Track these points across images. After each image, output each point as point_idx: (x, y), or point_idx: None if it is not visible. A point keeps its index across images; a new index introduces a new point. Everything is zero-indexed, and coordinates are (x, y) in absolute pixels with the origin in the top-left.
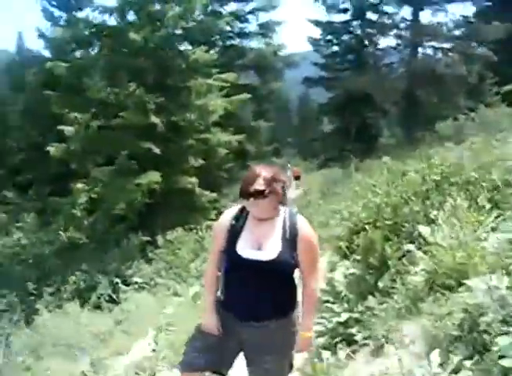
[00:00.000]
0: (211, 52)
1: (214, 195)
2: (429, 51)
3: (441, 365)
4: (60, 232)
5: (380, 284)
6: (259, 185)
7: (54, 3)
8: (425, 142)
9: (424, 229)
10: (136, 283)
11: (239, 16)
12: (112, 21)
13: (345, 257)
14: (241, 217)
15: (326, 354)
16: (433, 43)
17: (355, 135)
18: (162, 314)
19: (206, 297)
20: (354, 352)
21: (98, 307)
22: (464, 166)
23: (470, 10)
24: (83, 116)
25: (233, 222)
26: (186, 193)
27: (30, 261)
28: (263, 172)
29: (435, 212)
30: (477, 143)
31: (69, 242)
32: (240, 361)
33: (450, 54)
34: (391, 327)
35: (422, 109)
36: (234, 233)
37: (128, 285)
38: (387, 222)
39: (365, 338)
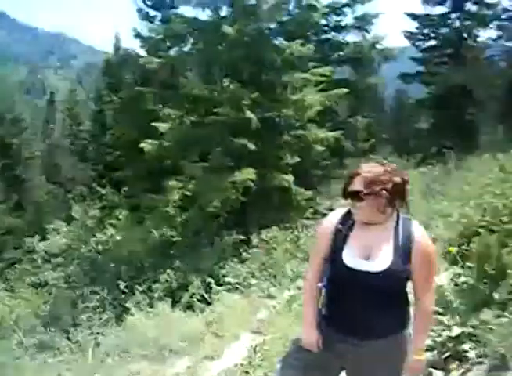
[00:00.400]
0: (307, 46)
1: (310, 193)
2: None
3: None
4: (153, 229)
5: (497, 296)
6: (355, 185)
7: (148, 3)
8: None
9: None
10: (229, 283)
11: (334, 9)
12: (205, 16)
13: (455, 263)
14: (348, 220)
15: (437, 374)
16: None
17: (454, 131)
18: (255, 318)
19: (306, 309)
20: (467, 370)
21: (189, 307)
22: None
23: None
24: (177, 112)
25: (339, 225)
26: (282, 191)
27: (122, 258)
28: (364, 171)
29: None
30: None
31: (162, 240)
32: None
33: None
34: (509, 345)
35: None
36: (340, 239)
37: (220, 285)
38: (506, 226)
39: (479, 356)
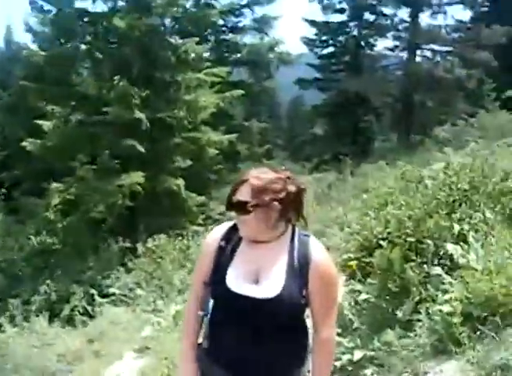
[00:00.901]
0: (203, 45)
1: (203, 198)
2: (427, 54)
3: None
4: (31, 236)
5: (400, 314)
6: (242, 195)
7: None
8: (423, 147)
9: (453, 249)
10: (114, 294)
11: (233, 10)
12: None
13: (354, 278)
14: (234, 236)
15: None
16: (432, 46)
17: (349, 138)
18: (139, 335)
19: (183, 341)
20: None
21: (70, 321)
22: (490, 173)
23: (468, 14)
24: (62, 110)
25: (222, 242)
26: (172, 196)
27: None
28: (252, 178)
29: (466, 228)
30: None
31: (41, 247)
32: None
33: (449, 58)
34: (415, 369)
35: (418, 113)
36: (223, 259)
37: (104, 297)
38: (409, 239)
39: None
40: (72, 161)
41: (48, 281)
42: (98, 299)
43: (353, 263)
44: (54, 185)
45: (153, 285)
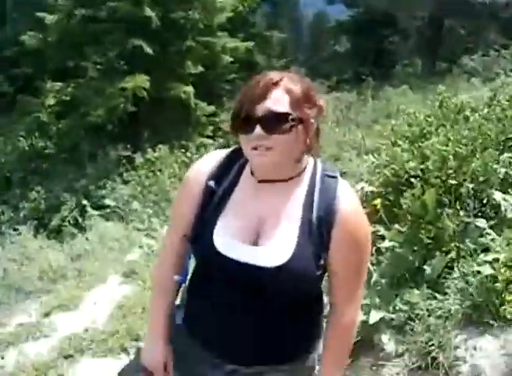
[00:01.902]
0: None
1: (213, 108)
2: None
3: None
4: (21, 138)
5: (429, 270)
6: (278, 102)
7: None
8: (449, 75)
9: (501, 198)
10: (108, 206)
11: None
12: None
13: (379, 222)
14: (229, 173)
15: None
16: None
17: (372, 59)
18: (127, 258)
19: (152, 309)
20: (381, 366)
21: (58, 232)
22: None
23: None
24: (66, 2)
25: (211, 182)
26: (180, 104)
27: None
28: (287, 80)
29: None
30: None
31: (32, 151)
32: None
33: None
34: (442, 341)
35: (447, 39)
36: (211, 207)
37: (97, 208)
38: (451, 181)
39: (399, 354)
40: (74, 59)
41: (38, 187)
42: (90, 211)
43: (377, 202)
44: (50, 83)
45: (149, 200)
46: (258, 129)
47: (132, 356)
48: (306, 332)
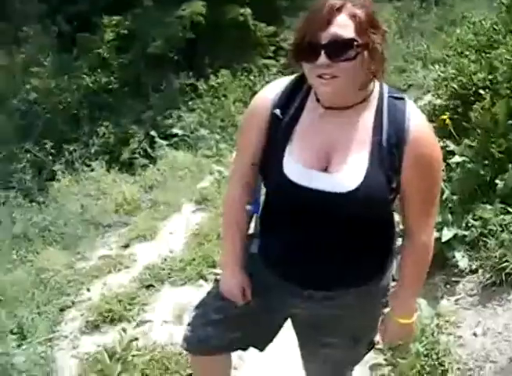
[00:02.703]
0: None
1: (273, 28)
2: None
3: None
4: (84, 75)
5: (501, 185)
6: (343, 28)
7: None
8: None
9: None
10: (176, 135)
11: None
12: None
13: (446, 135)
14: (294, 101)
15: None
16: None
17: None
18: (199, 185)
19: (226, 240)
20: (455, 282)
21: (130, 165)
22: None
23: None
24: None
25: (277, 110)
26: (238, 27)
27: (55, 110)
28: (350, 5)
29: None
30: None
31: (96, 87)
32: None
33: None
34: None
35: None
36: (279, 134)
37: (166, 138)
38: None
39: (473, 271)
40: None
41: (106, 123)
42: (159, 141)
43: (446, 116)
44: (108, 18)
45: (216, 126)
46: (323, 57)
47: (211, 285)
48: (380, 254)
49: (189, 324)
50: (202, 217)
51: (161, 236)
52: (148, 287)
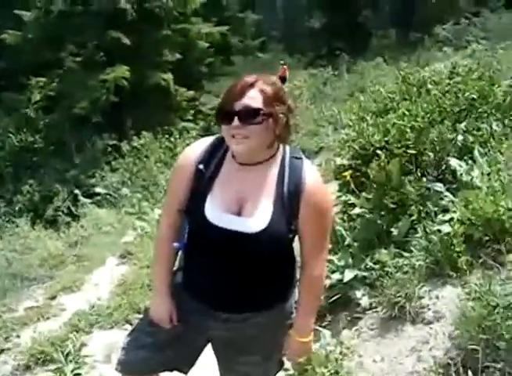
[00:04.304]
0: None
1: (192, 93)
2: None
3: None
4: (10, 134)
5: (395, 232)
6: (253, 99)
7: None
8: (422, 45)
9: (457, 164)
10: (99, 194)
11: None
12: None
13: (348, 190)
14: (215, 157)
15: (325, 333)
16: None
17: (347, 33)
18: (122, 240)
19: (156, 272)
20: (357, 319)
21: (53, 222)
22: (498, 81)
23: None
24: None
25: (201, 166)
26: (160, 91)
27: None
28: (260, 83)
29: (471, 140)
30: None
31: (22, 145)
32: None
33: None
34: (409, 293)
35: (420, 9)
36: (202, 184)
37: (89, 197)
38: (410, 151)
39: (372, 307)
40: (54, 54)
41: (31, 181)
42: (82, 199)
43: (347, 173)
44: (35, 79)
45: (138, 185)
46: (236, 121)
47: (143, 316)
48: (282, 283)
49: (122, 348)
50: (126, 269)
51: (87, 287)
52: (78, 331)
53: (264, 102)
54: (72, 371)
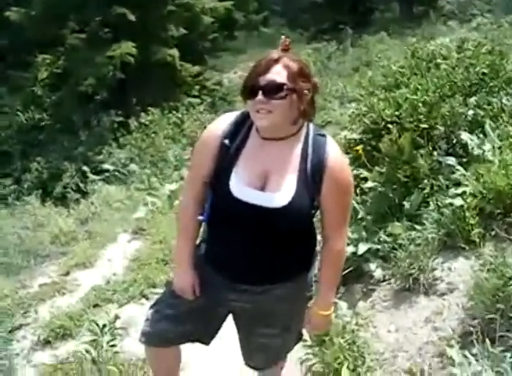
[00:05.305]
0: None
1: (198, 68)
2: None
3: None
4: (18, 112)
5: (407, 205)
6: (277, 74)
7: None
8: (426, 19)
9: (468, 138)
10: (107, 170)
11: None
12: None
13: (360, 164)
14: (240, 132)
15: (341, 305)
16: None
17: (349, 7)
18: (133, 216)
19: (179, 244)
20: (371, 290)
21: (63, 199)
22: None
23: None
24: None
25: (226, 141)
26: (165, 67)
27: None
28: (286, 59)
29: (482, 114)
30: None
31: (30, 123)
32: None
33: None
34: (422, 265)
35: None
36: (226, 159)
37: (97, 173)
38: (421, 125)
39: (386, 279)
40: (58, 30)
41: (39, 158)
42: (91, 176)
43: (359, 147)
44: (41, 56)
45: (146, 162)
46: (260, 95)
47: (163, 289)
48: (302, 257)
49: (146, 320)
50: (139, 245)
51: (100, 263)
52: (95, 306)
53: (288, 77)
54: (108, 342)
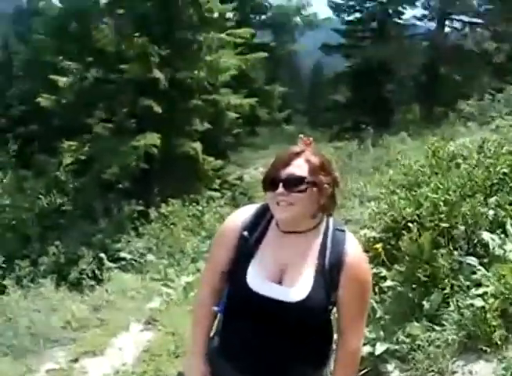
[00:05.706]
0: (227, 4)
1: (220, 162)
2: (456, 25)
3: None
4: (41, 195)
5: (427, 306)
6: (298, 168)
7: None
8: (446, 120)
9: (489, 237)
10: (124, 259)
11: None
12: None
13: (379, 262)
14: (259, 224)
15: None
16: (461, 17)
17: (371, 107)
18: (147, 306)
19: (194, 336)
20: None
21: (78, 285)
22: None
23: None
24: (78, 66)
25: (245, 233)
26: (188, 160)
27: (6, 226)
28: (308, 153)
29: (503, 215)
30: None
31: (50, 208)
32: None
33: (478, 30)
34: (441, 367)
35: (443, 85)
36: (245, 250)
37: (114, 261)
38: (442, 224)
39: None
40: (87, 119)
41: (57, 242)
42: (107, 263)
43: (379, 246)
44: (67, 143)
45: (164, 252)
46: (281, 188)
47: None
48: (317, 353)
49: None
50: (151, 335)
51: (110, 352)
52: None
53: (309, 171)
54: None
